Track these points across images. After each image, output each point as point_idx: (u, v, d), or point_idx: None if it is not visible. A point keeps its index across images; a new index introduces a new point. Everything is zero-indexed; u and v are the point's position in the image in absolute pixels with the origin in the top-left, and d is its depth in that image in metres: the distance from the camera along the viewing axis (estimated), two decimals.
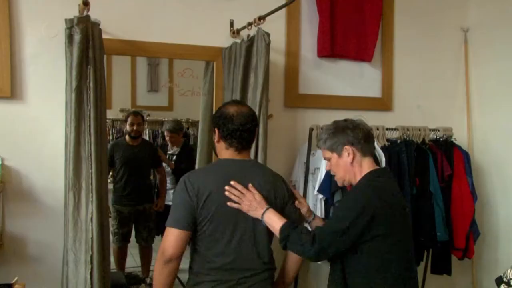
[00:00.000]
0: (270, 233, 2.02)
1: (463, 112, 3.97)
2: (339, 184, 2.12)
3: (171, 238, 1.85)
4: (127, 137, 4.18)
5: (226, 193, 1.92)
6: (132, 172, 4.20)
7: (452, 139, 3.57)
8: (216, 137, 2.04)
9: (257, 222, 1.97)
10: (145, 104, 6.08)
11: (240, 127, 1.96)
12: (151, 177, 4.53)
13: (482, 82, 3.89)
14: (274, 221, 1.95)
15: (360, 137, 2.03)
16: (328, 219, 2.18)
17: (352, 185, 2.08)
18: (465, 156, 3.52)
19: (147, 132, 5.01)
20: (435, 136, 3.57)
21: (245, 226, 1.97)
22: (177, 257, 1.87)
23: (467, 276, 3.99)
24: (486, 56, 3.85)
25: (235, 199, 1.93)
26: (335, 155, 2.05)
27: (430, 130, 3.53)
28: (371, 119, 3.50)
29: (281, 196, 2.06)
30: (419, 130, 3.48)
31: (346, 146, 2.02)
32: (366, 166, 2.03)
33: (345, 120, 2.11)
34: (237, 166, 2.00)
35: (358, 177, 2.03)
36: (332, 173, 2.12)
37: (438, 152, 3.42)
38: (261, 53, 2.91)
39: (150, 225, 4.26)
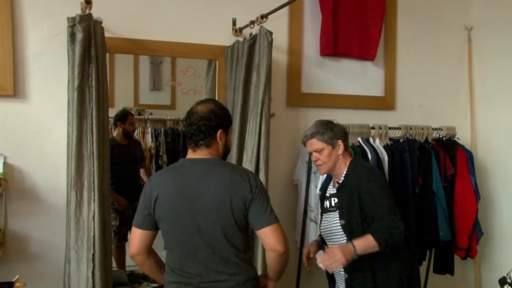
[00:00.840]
0: (237, 239, 1.90)
1: (466, 111, 3.95)
2: (322, 172, 2.44)
3: (132, 236, 1.97)
4: (117, 136, 4.17)
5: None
6: (127, 171, 4.20)
7: (455, 139, 3.55)
8: None
9: (218, 230, 1.87)
10: (147, 102, 6.07)
11: (191, 125, 1.92)
12: None
13: (485, 81, 3.88)
14: (365, 244, 2.10)
15: (346, 133, 2.46)
16: (374, 201, 2.22)
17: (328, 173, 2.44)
18: (468, 156, 3.50)
19: (149, 130, 5.02)
20: (438, 135, 3.56)
21: (203, 229, 1.87)
22: (138, 253, 1.96)
23: (470, 276, 3.98)
24: (490, 55, 3.83)
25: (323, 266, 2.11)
26: (330, 147, 2.35)
27: (433, 129, 3.52)
28: (373, 118, 3.54)
29: (240, 199, 1.87)
30: (422, 129, 3.47)
31: (339, 140, 2.37)
32: (348, 157, 2.42)
33: (329, 121, 2.46)
34: (191, 167, 1.92)
35: (343, 167, 2.37)
36: (319, 162, 2.38)
37: (441, 151, 3.40)
38: (264, 52, 2.90)
39: None
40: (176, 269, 1.91)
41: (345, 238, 2.25)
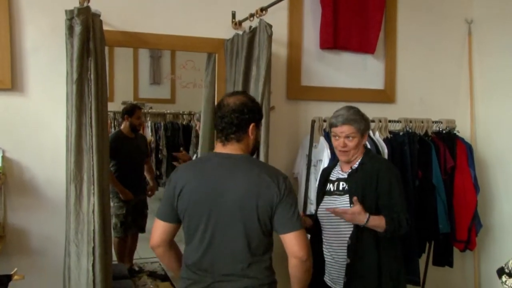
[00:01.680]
0: (258, 241, 1.84)
1: (466, 104, 3.95)
2: (344, 159, 2.43)
3: (154, 227, 1.94)
4: (124, 129, 4.17)
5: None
6: (133, 164, 4.25)
7: (455, 131, 3.54)
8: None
9: (240, 230, 1.81)
10: (147, 96, 6.07)
11: (223, 118, 1.86)
12: None
13: (486, 74, 3.86)
14: (377, 222, 2.22)
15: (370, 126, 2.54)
16: (391, 198, 2.30)
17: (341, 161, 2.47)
18: (468, 149, 3.50)
19: (149, 124, 5.01)
20: (438, 128, 3.55)
21: (223, 227, 1.82)
22: (159, 245, 1.94)
23: (469, 268, 3.99)
24: (490, 48, 3.82)
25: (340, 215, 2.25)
26: (359, 136, 2.38)
27: (433, 122, 3.51)
28: (373, 111, 3.52)
29: (267, 202, 1.81)
30: (422, 122, 3.46)
31: (367, 132, 2.44)
32: (363, 146, 2.46)
33: (358, 109, 2.48)
34: (218, 162, 1.87)
35: (359, 155, 2.42)
36: (346, 149, 2.37)
37: (441, 144, 3.40)
38: (263, 45, 2.89)
39: (146, 213, 4.37)
40: (191, 265, 1.88)
41: (349, 222, 2.29)
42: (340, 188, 2.39)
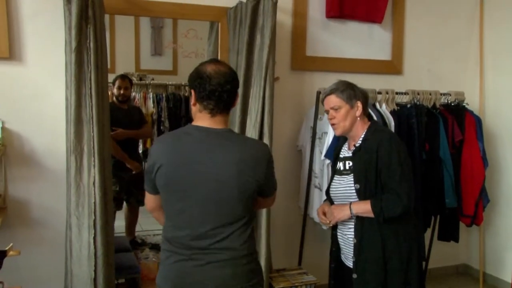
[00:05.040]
0: (242, 212, 1.80)
1: (476, 76, 3.85)
2: (338, 133, 2.31)
3: (145, 196, 1.95)
4: (114, 100, 4.06)
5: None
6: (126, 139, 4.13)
7: (464, 104, 3.46)
8: (192, 100, 1.80)
9: (219, 203, 1.76)
10: (149, 68, 6.00)
11: (219, 88, 1.74)
12: None
13: (496, 45, 3.75)
14: (362, 208, 2.17)
15: (366, 97, 2.34)
16: (389, 171, 2.16)
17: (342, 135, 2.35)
18: (477, 121, 3.42)
19: (151, 96, 4.94)
20: (446, 101, 3.46)
21: (200, 205, 1.77)
22: (152, 210, 1.97)
23: (473, 242, 3.96)
24: (502, 19, 3.70)
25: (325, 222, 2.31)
26: (347, 106, 2.24)
27: (441, 94, 3.43)
28: (380, 82, 3.45)
29: (249, 181, 1.76)
30: (430, 94, 3.38)
31: (358, 101, 2.25)
32: (366, 121, 2.30)
33: (350, 82, 2.33)
34: (199, 137, 1.77)
35: (361, 130, 2.27)
36: (334, 121, 2.26)
37: (449, 117, 3.32)
38: (268, 13, 2.80)
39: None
40: (170, 239, 1.84)
41: (355, 201, 2.22)
42: (347, 167, 2.28)
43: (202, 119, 1.79)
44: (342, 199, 2.30)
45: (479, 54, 3.83)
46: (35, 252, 2.80)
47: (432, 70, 3.73)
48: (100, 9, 2.56)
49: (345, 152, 2.35)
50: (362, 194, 2.19)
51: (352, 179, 2.22)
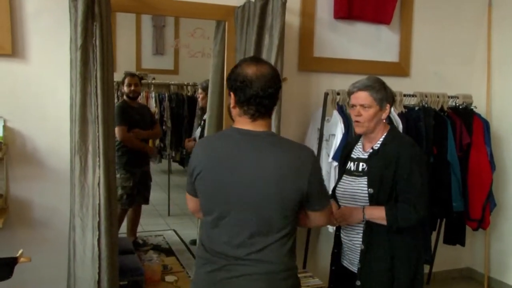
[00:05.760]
0: (283, 223, 1.71)
1: (483, 78, 3.82)
2: (360, 132, 2.21)
3: (186, 198, 1.90)
4: (126, 99, 4.05)
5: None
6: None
7: (472, 107, 3.42)
8: (231, 102, 1.72)
9: (260, 210, 1.67)
10: (150, 67, 5.97)
11: (260, 93, 1.65)
12: None
13: (504, 48, 3.72)
14: (376, 214, 2.09)
15: (394, 100, 2.29)
16: (409, 182, 2.08)
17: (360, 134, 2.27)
18: (485, 125, 3.39)
19: (153, 95, 4.90)
20: (454, 104, 3.43)
21: (240, 211, 1.69)
22: (195, 211, 1.92)
23: (478, 246, 3.93)
24: (510, 21, 3.67)
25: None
26: (377, 107, 2.13)
27: (449, 97, 3.39)
28: (388, 84, 3.39)
29: (294, 186, 1.66)
30: (438, 97, 3.35)
31: (388, 104, 2.17)
32: (386, 124, 2.22)
33: (382, 80, 2.22)
34: (241, 140, 1.69)
35: (381, 133, 2.18)
36: (360, 119, 2.15)
37: (457, 120, 3.29)
38: (277, 13, 2.76)
39: (149, 184, 4.28)
40: (206, 246, 1.76)
41: (366, 205, 2.15)
42: (360, 169, 2.19)
43: (242, 123, 1.71)
44: (349, 201, 2.22)
45: (486, 57, 3.79)
46: (37, 253, 2.69)
47: (439, 72, 3.69)
48: (106, 7, 2.51)
49: (359, 152, 2.26)
50: (374, 199, 2.12)
51: (365, 182, 2.15)
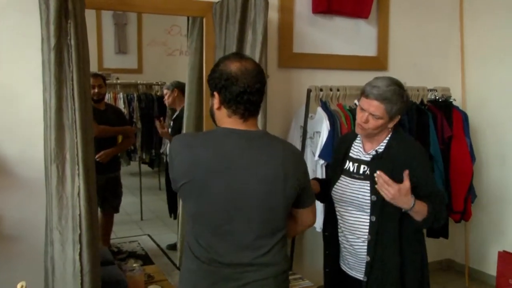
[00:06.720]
0: (280, 223, 1.65)
1: (458, 71, 3.85)
2: (360, 134, 2.12)
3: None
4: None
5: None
6: (105, 138, 3.87)
7: (451, 100, 3.44)
8: (216, 103, 1.61)
9: (266, 211, 1.61)
10: (112, 66, 5.72)
11: (248, 89, 1.55)
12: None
13: (477, 38, 3.76)
14: (421, 209, 1.92)
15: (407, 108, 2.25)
16: (427, 184, 2.01)
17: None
18: (464, 117, 3.41)
19: (121, 96, 4.69)
20: (433, 97, 3.43)
21: (244, 216, 1.60)
22: None
23: (458, 237, 3.97)
24: (482, 11, 3.71)
25: (379, 187, 1.89)
26: (387, 119, 2.01)
27: (428, 90, 3.39)
28: (367, 79, 3.31)
29: (295, 183, 1.63)
30: (418, 90, 3.34)
31: (399, 115, 2.04)
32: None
33: (403, 89, 2.08)
34: (237, 140, 1.59)
35: (384, 135, 2.07)
36: (365, 126, 2.02)
37: (438, 113, 3.29)
38: (260, 7, 2.66)
39: (120, 191, 4.04)
40: (199, 256, 1.64)
41: (369, 213, 2.02)
42: (361, 171, 2.06)
43: (232, 124, 1.60)
44: (348, 204, 2.10)
45: (459, 48, 3.82)
46: (9, 271, 2.53)
47: (417, 65, 3.70)
48: (80, 3, 2.33)
49: (360, 153, 2.13)
50: (378, 207, 1.98)
51: (367, 187, 2.03)
